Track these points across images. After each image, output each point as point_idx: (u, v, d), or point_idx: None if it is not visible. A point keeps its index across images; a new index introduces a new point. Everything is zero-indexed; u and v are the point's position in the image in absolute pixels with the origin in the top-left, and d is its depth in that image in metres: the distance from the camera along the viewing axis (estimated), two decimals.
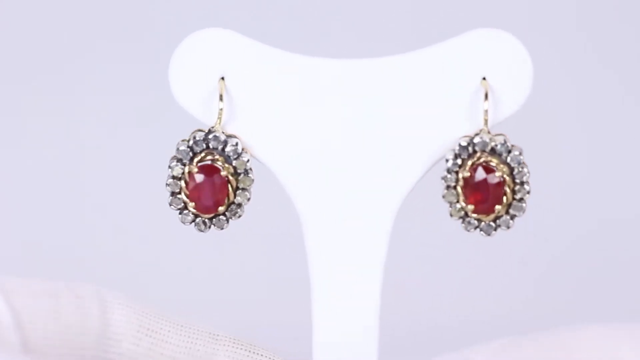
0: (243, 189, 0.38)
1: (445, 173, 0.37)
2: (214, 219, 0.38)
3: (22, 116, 0.73)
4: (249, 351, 0.38)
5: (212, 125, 0.38)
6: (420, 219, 0.66)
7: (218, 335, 0.38)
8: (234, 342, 0.38)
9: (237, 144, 0.38)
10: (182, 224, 0.38)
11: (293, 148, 0.38)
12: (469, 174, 0.37)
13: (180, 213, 0.38)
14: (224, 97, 0.38)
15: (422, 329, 0.67)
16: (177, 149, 0.38)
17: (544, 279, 0.71)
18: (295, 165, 0.38)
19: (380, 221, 0.38)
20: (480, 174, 0.37)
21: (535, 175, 0.73)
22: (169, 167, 0.38)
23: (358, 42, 0.73)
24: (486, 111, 0.37)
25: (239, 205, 0.38)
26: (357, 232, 0.38)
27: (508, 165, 0.37)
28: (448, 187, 0.37)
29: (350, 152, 0.38)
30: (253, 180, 0.38)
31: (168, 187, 0.38)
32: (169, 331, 0.37)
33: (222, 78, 0.38)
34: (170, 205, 0.38)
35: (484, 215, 0.37)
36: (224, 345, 0.38)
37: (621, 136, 0.74)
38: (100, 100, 0.73)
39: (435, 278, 0.71)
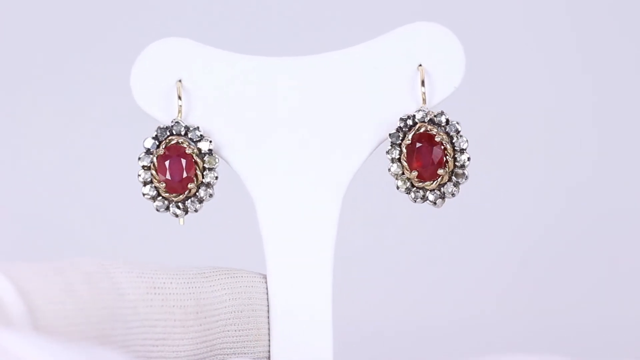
0: (210, 168, 0.41)
1: (389, 147, 0.40)
2: (186, 201, 0.41)
3: (18, 116, 0.76)
4: (236, 277, 0.40)
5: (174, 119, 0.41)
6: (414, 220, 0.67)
7: (205, 272, 0.40)
8: (219, 272, 0.40)
9: (198, 128, 0.41)
10: (157, 212, 0.41)
11: (243, 136, 0.41)
12: (410, 141, 0.40)
13: (154, 201, 0.41)
14: (183, 97, 0.42)
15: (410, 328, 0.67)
16: (144, 143, 0.41)
17: (540, 279, 0.71)
18: (245, 153, 0.41)
19: (327, 202, 0.41)
20: (420, 140, 0.40)
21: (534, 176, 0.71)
22: (138, 159, 0.41)
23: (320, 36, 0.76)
24: (424, 93, 0.41)
25: (208, 185, 0.41)
26: (306, 214, 0.41)
27: (447, 134, 0.40)
28: (392, 160, 0.40)
29: (296, 137, 0.41)
30: (218, 159, 0.41)
31: (139, 177, 0.41)
32: (170, 283, 0.38)
33: (180, 81, 0.42)
34: (144, 195, 0.41)
35: (428, 183, 0.40)
36: (215, 279, 0.40)
37: (622, 135, 0.75)
38: (97, 100, 0.76)
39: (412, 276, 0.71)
